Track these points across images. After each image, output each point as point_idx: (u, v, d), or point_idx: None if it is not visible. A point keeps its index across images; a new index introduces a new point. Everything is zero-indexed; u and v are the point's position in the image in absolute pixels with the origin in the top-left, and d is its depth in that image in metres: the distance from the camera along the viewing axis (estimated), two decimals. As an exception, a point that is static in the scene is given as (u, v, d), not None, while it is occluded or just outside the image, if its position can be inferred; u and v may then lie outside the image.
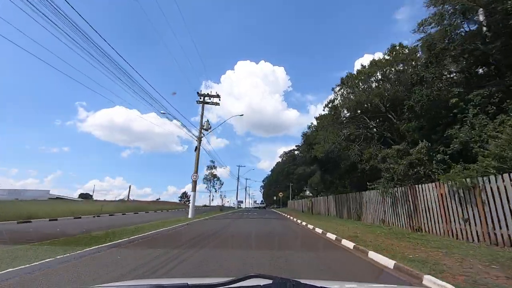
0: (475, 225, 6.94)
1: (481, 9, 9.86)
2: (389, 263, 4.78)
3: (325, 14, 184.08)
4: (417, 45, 13.12)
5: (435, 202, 8.60)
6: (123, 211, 24.82)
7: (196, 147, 19.34)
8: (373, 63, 15.74)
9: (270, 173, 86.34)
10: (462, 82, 10.86)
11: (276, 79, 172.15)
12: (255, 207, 74.85)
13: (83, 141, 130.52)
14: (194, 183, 18.72)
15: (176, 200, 77.81)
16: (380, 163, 11.60)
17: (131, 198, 60.58)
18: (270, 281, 0.95)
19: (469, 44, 10.04)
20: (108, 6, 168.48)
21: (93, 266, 4.54)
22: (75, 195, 72.49)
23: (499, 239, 6.27)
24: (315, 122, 23.12)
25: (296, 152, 69.88)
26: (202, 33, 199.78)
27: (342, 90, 17.61)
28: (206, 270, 4.34)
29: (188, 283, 0.93)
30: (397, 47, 14.88)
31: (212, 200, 68.40)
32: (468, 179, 7.13)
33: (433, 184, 8.73)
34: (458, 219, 7.49)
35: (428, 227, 8.86)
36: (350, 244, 6.94)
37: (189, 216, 17.36)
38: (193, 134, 20.11)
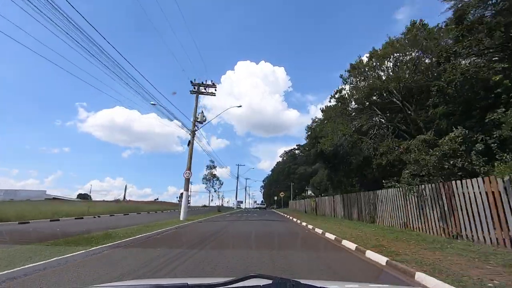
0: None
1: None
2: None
3: (325, 14, 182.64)
4: (443, 23, 11.34)
5: (482, 202, 6.77)
6: (113, 212, 22.86)
7: (189, 141, 17.51)
8: (390, 43, 13.79)
9: (270, 173, 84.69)
10: (503, 58, 9.01)
11: (276, 79, 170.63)
12: (255, 208, 72.93)
13: (84, 142, 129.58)
14: (187, 181, 16.82)
15: (175, 200, 76.25)
16: (405, 154, 9.70)
17: (128, 198, 59.09)
18: (270, 281, 0.94)
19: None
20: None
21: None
22: (74, 195, 71.01)
23: None
24: (319, 116, 21.36)
25: (297, 152, 68.19)
26: (202, 33, 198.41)
27: (352, 78, 15.74)
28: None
29: (188, 283, 0.92)
30: (417, 24, 12.92)
31: (212, 200, 67.05)
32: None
33: (479, 179, 6.89)
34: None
35: (472, 233, 7.02)
36: (381, 259, 5.03)
37: (181, 218, 15.47)
38: (188, 129, 18.34)
